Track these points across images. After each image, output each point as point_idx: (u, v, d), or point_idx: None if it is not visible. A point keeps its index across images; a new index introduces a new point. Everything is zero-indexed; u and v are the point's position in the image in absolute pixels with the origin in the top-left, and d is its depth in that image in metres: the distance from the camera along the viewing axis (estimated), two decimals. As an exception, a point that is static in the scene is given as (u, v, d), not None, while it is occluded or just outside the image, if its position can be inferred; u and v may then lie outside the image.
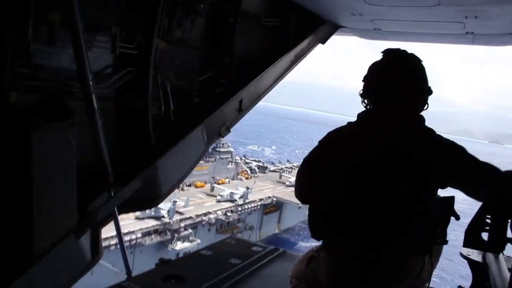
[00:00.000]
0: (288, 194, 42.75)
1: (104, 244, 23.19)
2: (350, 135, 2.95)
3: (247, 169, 49.81)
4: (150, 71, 4.10)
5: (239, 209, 38.98)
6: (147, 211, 29.41)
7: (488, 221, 2.92)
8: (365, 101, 2.97)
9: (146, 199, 4.18)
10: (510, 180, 2.76)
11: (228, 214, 37.59)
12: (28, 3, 2.85)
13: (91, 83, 3.29)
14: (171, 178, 4.47)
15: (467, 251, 4.30)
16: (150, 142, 4.17)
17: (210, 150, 40.95)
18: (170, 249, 31.89)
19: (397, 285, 3.14)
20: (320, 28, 6.53)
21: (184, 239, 32.60)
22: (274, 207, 43.93)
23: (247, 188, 40.48)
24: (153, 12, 4.01)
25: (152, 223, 30.75)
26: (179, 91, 4.62)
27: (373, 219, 2.80)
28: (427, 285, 3.29)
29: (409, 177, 2.76)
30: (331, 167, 2.95)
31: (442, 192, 3.03)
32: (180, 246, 31.75)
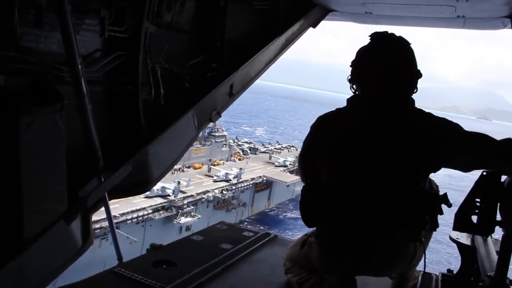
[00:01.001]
0: (277, 173, 47.36)
1: (121, 219, 27.99)
2: (340, 122, 2.92)
3: (240, 151, 53.54)
4: (140, 55, 4.04)
5: (233, 187, 43.01)
6: (155, 190, 33.85)
7: (478, 204, 2.96)
8: (354, 86, 2.95)
9: (137, 184, 4.15)
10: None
11: (224, 192, 41.69)
12: (13, -16, 2.79)
13: (80, 67, 3.23)
14: (162, 163, 4.44)
15: (456, 234, 4.35)
16: (141, 127, 4.13)
17: (206, 134, 46.49)
18: (175, 223, 35.53)
19: (389, 270, 3.18)
20: (310, 11, 6.49)
21: (187, 214, 36.57)
22: (265, 185, 47.87)
23: (240, 169, 44.95)
24: None
25: (159, 200, 34.87)
26: (169, 75, 4.57)
27: (365, 206, 2.80)
28: (418, 267, 3.34)
29: (400, 162, 2.75)
30: (322, 154, 2.95)
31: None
32: (183, 220, 35.92)
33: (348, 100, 2.96)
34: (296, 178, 44.84)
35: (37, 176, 2.90)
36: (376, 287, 3.72)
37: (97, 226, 28.37)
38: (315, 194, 3.00)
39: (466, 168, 2.83)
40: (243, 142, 59.19)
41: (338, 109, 2.96)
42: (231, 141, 55.10)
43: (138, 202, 32.58)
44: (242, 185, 44.57)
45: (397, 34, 2.85)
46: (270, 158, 54.13)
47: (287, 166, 51.72)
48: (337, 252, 2.94)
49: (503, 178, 2.94)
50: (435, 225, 2.93)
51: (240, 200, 45.09)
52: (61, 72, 3.34)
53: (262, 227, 40.95)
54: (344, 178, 2.85)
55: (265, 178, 47.75)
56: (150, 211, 33.72)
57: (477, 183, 2.97)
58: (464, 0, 5.10)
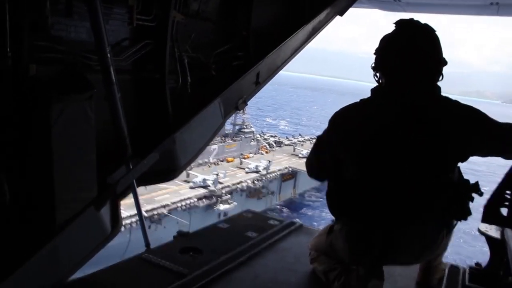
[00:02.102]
0: (301, 164, 49.04)
1: (172, 206, 31.67)
2: (364, 113, 2.86)
3: (266, 145, 57.09)
4: (167, 43, 4.07)
5: (263, 178, 46.68)
6: (198, 182, 38.94)
7: (508, 196, 2.89)
8: (377, 74, 2.87)
9: (164, 172, 4.20)
10: None
11: (255, 182, 45.55)
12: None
13: (109, 55, 3.28)
14: (188, 150, 4.48)
15: (485, 227, 4.26)
16: (168, 115, 4.17)
17: (236, 131, 51.64)
18: (215, 209, 39.36)
19: (416, 260, 3.15)
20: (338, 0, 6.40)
21: (224, 202, 40.58)
22: (290, 175, 51.39)
23: (269, 161, 48.57)
24: None
25: (202, 191, 39.13)
26: (196, 64, 4.59)
27: (392, 197, 2.75)
28: (442, 258, 3.30)
29: (428, 151, 2.69)
30: (346, 146, 2.88)
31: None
32: (222, 207, 39.84)
33: (372, 90, 2.89)
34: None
35: (68, 163, 2.97)
36: (402, 279, 3.69)
37: (155, 212, 32.90)
38: (341, 186, 2.97)
39: (496, 154, 2.76)
40: (268, 136, 62.11)
41: (362, 100, 2.89)
42: (258, 136, 58.28)
43: (185, 192, 37.69)
44: (271, 175, 47.92)
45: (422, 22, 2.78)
46: (294, 150, 56.97)
47: None
48: (363, 241, 2.92)
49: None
50: (465, 214, 2.85)
51: (269, 189, 48.41)
52: (90, 61, 3.40)
53: (289, 212, 48.30)
54: (371, 169, 2.79)
55: (290, 169, 50.75)
56: (195, 199, 37.87)
57: (508, 175, 2.90)
58: None
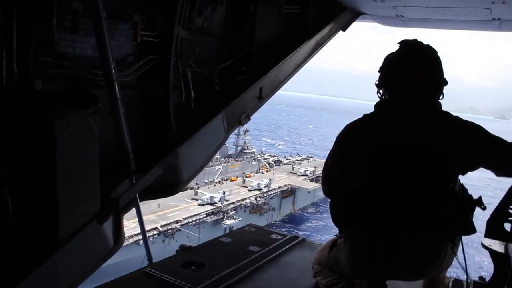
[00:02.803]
0: (299, 182, 56.73)
1: (184, 222, 36.43)
2: (370, 127, 2.96)
3: (266, 164, 62.72)
4: (171, 59, 4.11)
5: (265, 195, 51.26)
6: (205, 199, 43.84)
7: (511, 211, 2.90)
8: (380, 91, 3.00)
9: (167, 186, 4.22)
10: None
11: (258, 199, 50.11)
12: (51, -8, 2.89)
13: (113, 71, 3.32)
14: (191, 165, 4.50)
15: (489, 241, 4.25)
16: (171, 130, 4.20)
17: (238, 151, 56.53)
18: (222, 224, 43.47)
19: (420, 273, 3.15)
20: (340, 15, 6.46)
21: (230, 218, 44.80)
22: (289, 192, 56.05)
23: (270, 179, 53.56)
24: (174, 0, 4.02)
25: (209, 207, 43.70)
26: (199, 79, 4.63)
27: (395, 207, 2.81)
28: (448, 272, 3.29)
29: (428, 165, 2.78)
30: (352, 160, 2.98)
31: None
32: (228, 222, 43.91)
33: (376, 105, 3.01)
34: (316, 185, 52.78)
35: (72, 178, 2.99)
36: (406, 293, 3.67)
37: (168, 227, 36.71)
38: (346, 199, 3.02)
39: (494, 171, 2.86)
40: (268, 156, 67.87)
41: (365, 115, 3.01)
42: (258, 156, 63.77)
43: (194, 209, 42.51)
44: (271, 193, 52.53)
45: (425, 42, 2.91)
46: (292, 168, 62.05)
47: (307, 175, 58.71)
48: (367, 255, 2.93)
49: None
50: (470, 229, 2.88)
51: (270, 205, 52.71)
52: (95, 76, 3.44)
53: (289, 226, 51.43)
54: (375, 181, 2.87)
55: (289, 186, 55.64)
56: (204, 215, 42.38)
57: (510, 190, 2.91)
58: (501, 2, 4.98)
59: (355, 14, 6.65)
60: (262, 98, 5.54)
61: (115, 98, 3.38)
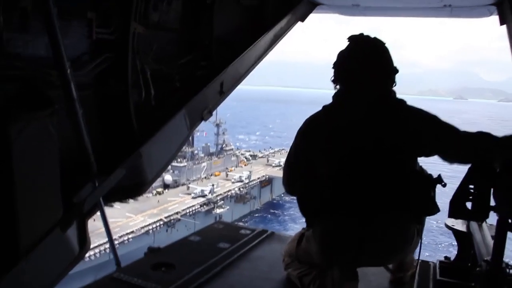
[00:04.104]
0: (275, 172, 62.92)
1: (182, 213, 41.85)
2: (329, 120, 3.15)
3: (244, 159, 70.26)
4: (128, 56, 3.98)
5: (246, 186, 59.08)
6: (197, 192, 50.83)
7: (472, 190, 3.00)
8: (337, 86, 3.20)
9: (132, 187, 4.10)
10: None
11: (241, 189, 58.05)
12: (-4, -11, 2.72)
13: (68, 70, 3.16)
14: (155, 164, 4.40)
15: (451, 221, 4.39)
16: (133, 129, 4.08)
17: (219, 149, 62.83)
18: (213, 213, 50.28)
19: (390, 255, 3.22)
20: (298, 5, 6.47)
21: (219, 207, 51.91)
22: (267, 182, 64.01)
23: (250, 172, 61.69)
24: None
25: (201, 199, 50.42)
26: (159, 76, 4.51)
27: (362, 194, 2.95)
28: (415, 254, 3.40)
29: (391, 151, 2.96)
30: (317, 150, 3.11)
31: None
32: (218, 211, 50.92)
33: (333, 96, 3.20)
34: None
35: (31, 184, 2.84)
36: (376, 278, 3.73)
37: (170, 218, 43.77)
38: (313, 187, 3.12)
39: (446, 159, 3.06)
40: (244, 152, 75.89)
41: (324, 107, 3.19)
42: (237, 152, 71.36)
43: (189, 202, 49.33)
44: (252, 183, 60.42)
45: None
46: (267, 161, 70.08)
47: (281, 165, 64.61)
48: (336, 242, 3.00)
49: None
50: (434, 208, 3.04)
51: (251, 195, 60.72)
52: (50, 76, 3.27)
53: (270, 211, 61.32)
54: (341, 168, 3.01)
55: (267, 176, 63.51)
56: (198, 206, 49.36)
57: (470, 169, 3.02)
58: None
59: (312, 5, 6.68)
60: (223, 92, 5.48)
61: (72, 99, 3.23)
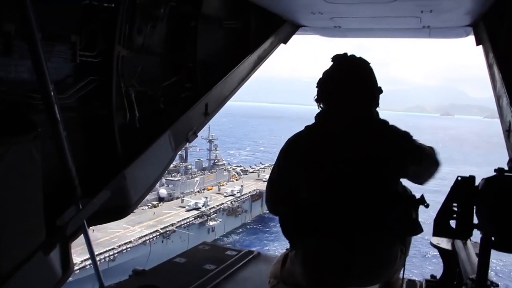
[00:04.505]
0: (266, 186, 59.28)
1: (177, 225, 47.18)
2: (311, 140, 3.09)
3: (235, 173, 71.34)
4: (113, 79, 4.00)
5: (238, 199, 59.94)
6: (191, 205, 51.58)
7: (455, 209, 3.03)
8: (321, 105, 3.14)
9: (116, 210, 4.08)
10: None
11: (233, 203, 58.62)
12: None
13: (52, 93, 3.18)
14: (140, 186, 4.39)
15: (436, 240, 4.41)
16: (117, 151, 4.08)
17: (212, 164, 66.73)
18: (206, 225, 51.70)
19: (375, 276, 3.21)
20: (281, 28, 6.58)
21: (212, 219, 52.83)
22: (258, 196, 64.26)
23: (241, 186, 62.94)
24: (113, 18, 3.91)
25: (195, 212, 51.30)
26: (143, 98, 4.54)
27: (344, 215, 2.90)
28: (401, 274, 3.39)
29: (373, 171, 2.92)
30: (299, 170, 3.07)
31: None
32: (211, 223, 52.23)
33: (316, 116, 3.15)
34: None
35: (13, 208, 2.82)
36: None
37: (166, 229, 44.63)
38: (294, 208, 3.08)
39: (416, 179, 3.14)
40: (235, 167, 76.99)
41: (307, 127, 3.14)
42: (228, 167, 72.22)
43: (183, 215, 50.14)
44: (243, 197, 61.32)
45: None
46: (258, 175, 70.71)
47: None
48: (321, 263, 2.97)
49: (477, 182, 3.03)
50: (417, 228, 3.03)
51: (243, 208, 61.37)
52: (33, 100, 3.28)
53: (261, 224, 61.62)
54: (322, 187, 2.97)
55: (258, 191, 63.84)
56: (192, 218, 50.20)
57: (453, 188, 3.04)
58: (428, 11, 5.26)
59: (295, 27, 6.80)
60: (208, 114, 5.52)
61: (56, 122, 3.24)
